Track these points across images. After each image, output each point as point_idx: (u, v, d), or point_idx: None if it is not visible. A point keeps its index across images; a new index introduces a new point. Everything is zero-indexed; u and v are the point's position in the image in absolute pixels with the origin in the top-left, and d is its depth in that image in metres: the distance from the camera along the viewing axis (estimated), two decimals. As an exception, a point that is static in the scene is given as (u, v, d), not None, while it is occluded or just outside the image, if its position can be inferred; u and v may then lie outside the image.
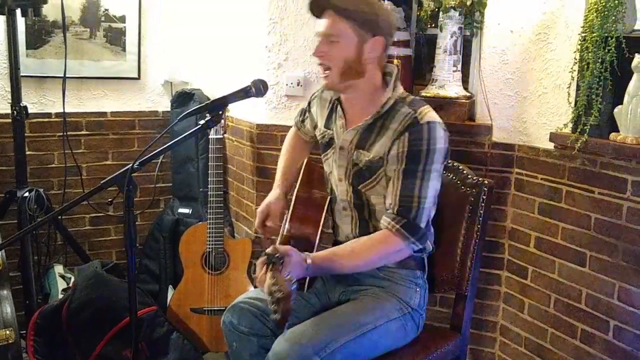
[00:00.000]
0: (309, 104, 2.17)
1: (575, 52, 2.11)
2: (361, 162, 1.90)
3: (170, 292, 3.09)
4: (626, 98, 1.98)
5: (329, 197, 2.05)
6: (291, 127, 2.29)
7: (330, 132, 2.00)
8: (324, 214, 2.00)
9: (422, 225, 1.81)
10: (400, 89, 1.92)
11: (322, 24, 1.85)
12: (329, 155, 2.02)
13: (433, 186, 1.81)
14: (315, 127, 2.11)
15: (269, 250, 1.67)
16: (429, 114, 1.82)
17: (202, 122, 1.72)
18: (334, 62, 1.84)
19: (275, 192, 2.11)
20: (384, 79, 1.91)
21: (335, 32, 1.82)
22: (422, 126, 1.79)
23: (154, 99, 3.49)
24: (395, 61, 2.57)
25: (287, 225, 2.00)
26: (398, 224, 1.80)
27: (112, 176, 1.65)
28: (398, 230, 1.80)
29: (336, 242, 2.06)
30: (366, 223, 1.94)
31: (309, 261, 1.75)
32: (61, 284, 3.00)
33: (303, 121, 2.21)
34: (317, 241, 1.94)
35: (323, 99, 2.07)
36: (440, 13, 2.45)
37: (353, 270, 1.89)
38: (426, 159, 1.79)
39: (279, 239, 2.02)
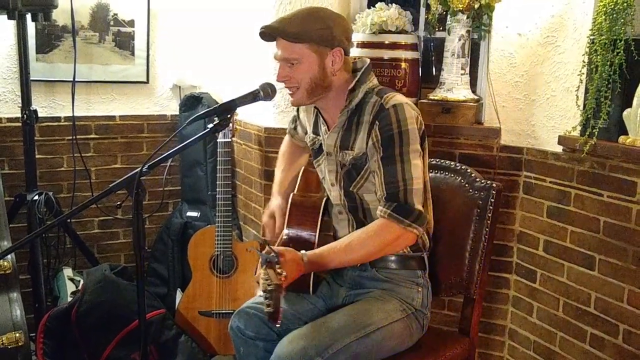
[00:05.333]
0: (297, 110, 2.17)
1: (583, 55, 2.10)
2: (347, 162, 1.91)
3: (179, 295, 3.10)
4: (635, 101, 1.97)
5: (324, 199, 2.05)
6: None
7: (319, 137, 2.01)
8: (320, 216, 2.00)
9: (416, 205, 1.80)
10: (372, 81, 1.91)
11: (278, 48, 1.84)
12: (320, 161, 2.03)
13: (416, 166, 1.80)
14: (306, 132, 2.11)
15: (263, 251, 1.70)
16: (394, 98, 1.82)
17: (210, 125, 1.73)
18: (300, 83, 1.85)
19: (275, 199, 2.12)
20: (354, 74, 1.92)
21: (293, 55, 1.82)
22: (389, 111, 1.79)
23: (163, 103, 3.51)
24: (403, 64, 2.57)
25: (284, 230, 2.00)
26: (389, 209, 1.79)
27: (121, 180, 1.66)
28: (390, 215, 1.79)
29: None
30: (362, 225, 1.93)
31: (305, 259, 1.78)
32: (70, 287, 3.02)
33: (295, 128, 2.22)
34: (315, 244, 1.94)
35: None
36: (448, 16, 2.45)
37: (353, 263, 1.90)
38: (400, 141, 1.78)
39: (277, 242, 2.03)
